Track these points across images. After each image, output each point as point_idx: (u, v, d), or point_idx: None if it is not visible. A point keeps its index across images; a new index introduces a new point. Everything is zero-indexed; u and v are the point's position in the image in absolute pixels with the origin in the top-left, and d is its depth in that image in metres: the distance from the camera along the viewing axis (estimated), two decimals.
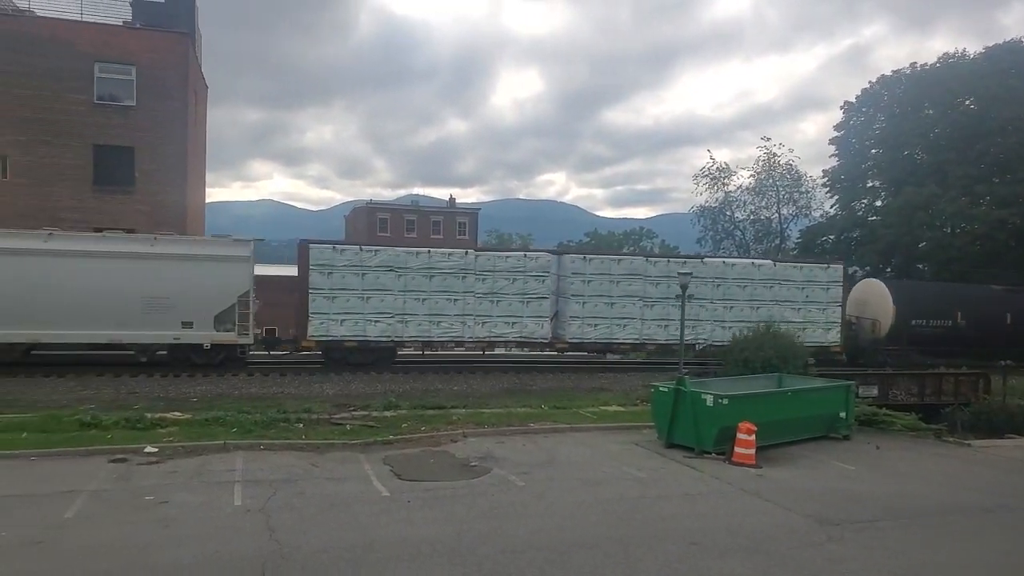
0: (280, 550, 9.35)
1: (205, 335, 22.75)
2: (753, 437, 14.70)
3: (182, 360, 23.08)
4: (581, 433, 17.20)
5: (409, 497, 11.81)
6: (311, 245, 24.48)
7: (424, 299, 24.63)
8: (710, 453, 15.20)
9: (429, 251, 25.34)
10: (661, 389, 16.32)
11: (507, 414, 18.55)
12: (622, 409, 19.92)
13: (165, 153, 29.39)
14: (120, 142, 28.88)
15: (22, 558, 8.94)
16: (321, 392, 21.50)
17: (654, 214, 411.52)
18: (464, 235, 76.67)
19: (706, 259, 28.23)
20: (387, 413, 18.18)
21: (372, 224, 74.52)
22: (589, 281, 26.09)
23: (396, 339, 24.82)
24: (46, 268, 21.47)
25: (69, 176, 28.41)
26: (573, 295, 26.13)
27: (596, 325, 26.12)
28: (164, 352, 23.42)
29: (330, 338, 24.06)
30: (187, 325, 22.48)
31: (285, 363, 25.40)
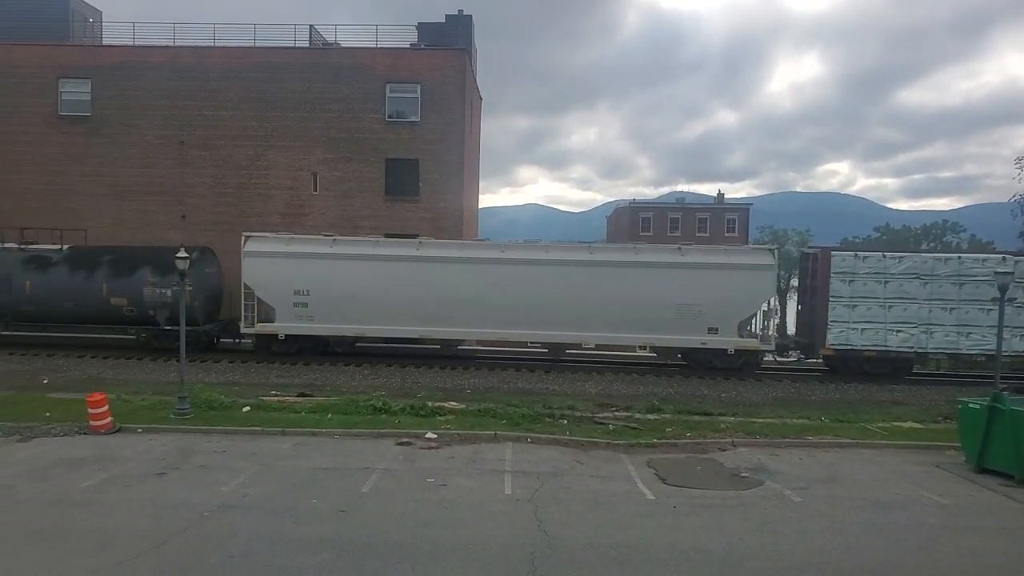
0: (548, 541, 9.55)
1: (730, 341, 23.88)
2: None
3: (702, 363, 24.40)
4: (869, 450, 15.49)
5: (675, 503, 11.47)
6: (833, 253, 24.70)
7: (952, 308, 23.41)
8: None
9: (959, 257, 24.06)
10: (971, 406, 14.11)
11: (781, 425, 17.33)
12: (919, 426, 17.63)
13: (445, 163, 31.83)
14: (407, 155, 31.81)
15: (331, 522, 10.18)
16: (584, 390, 21.78)
17: (960, 205, 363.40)
18: (733, 232, 72.60)
19: None
20: (650, 416, 17.92)
21: (635, 224, 74.20)
22: None
23: (919, 350, 23.79)
24: (591, 277, 23.83)
25: (366, 188, 31.94)
26: None
27: None
28: (680, 355, 24.92)
29: (848, 347, 23.92)
30: (712, 331, 23.79)
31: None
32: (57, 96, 32.01)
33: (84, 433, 15.02)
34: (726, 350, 23.87)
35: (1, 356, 24.42)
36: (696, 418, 17.80)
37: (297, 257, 24.34)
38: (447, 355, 25.84)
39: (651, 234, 71.01)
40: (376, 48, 32.11)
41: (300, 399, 18.67)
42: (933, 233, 75.32)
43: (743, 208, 76.80)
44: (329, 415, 16.74)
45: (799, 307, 27.19)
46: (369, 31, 32.86)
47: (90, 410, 15.17)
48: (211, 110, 31.66)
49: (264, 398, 18.61)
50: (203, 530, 9.73)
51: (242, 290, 24.70)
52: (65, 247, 26.13)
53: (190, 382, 18.08)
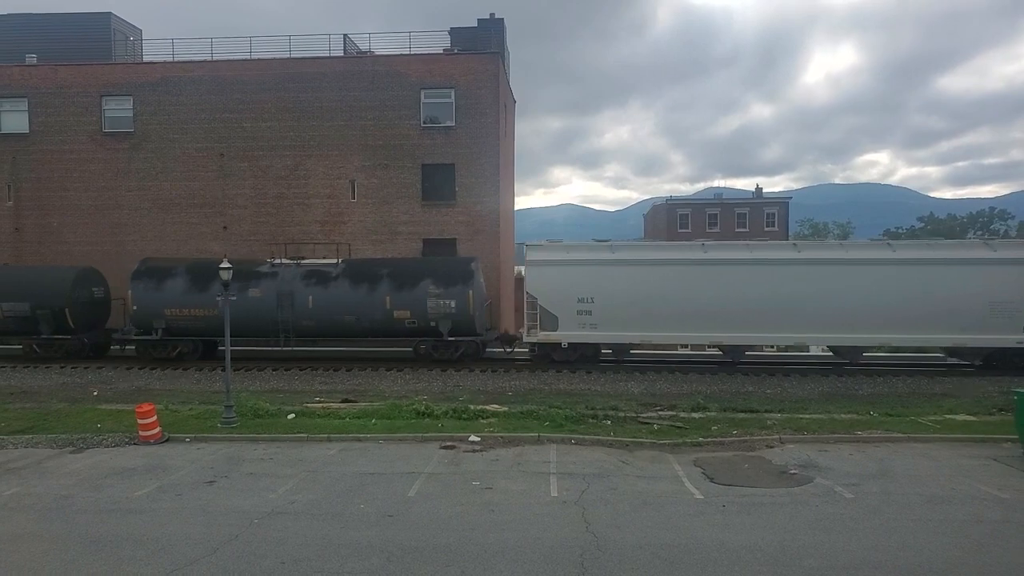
0: (596, 542, 9.48)
1: None
2: None
3: (1012, 364, 23.16)
4: (921, 444, 15.08)
5: (724, 501, 11.30)
6: None
7: None
8: None
9: None
10: None
11: (829, 420, 16.98)
12: (973, 418, 17.12)
13: (480, 167, 31.87)
14: (443, 160, 31.92)
15: (380, 527, 10.25)
16: (627, 390, 21.62)
17: (1007, 191, 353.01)
18: (773, 226, 71.34)
19: None
20: (695, 414, 17.70)
21: (672, 221, 73.53)
22: None
23: None
24: (892, 275, 23.10)
25: (403, 194, 32.13)
26: None
27: None
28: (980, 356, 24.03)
29: None
30: None
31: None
32: (101, 113, 32.87)
33: (134, 443, 15.35)
34: None
35: (52, 370, 25.10)
36: (742, 415, 17.53)
37: (579, 264, 24.45)
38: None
39: (689, 231, 70.25)
40: (410, 55, 32.31)
41: (344, 405, 18.86)
42: (980, 221, 73.40)
43: (782, 202, 75.58)
44: (373, 420, 16.85)
45: None
46: (402, 38, 33.14)
47: (139, 420, 15.49)
48: (249, 121, 32.20)
49: (308, 405, 18.82)
50: (254, 537, 9.86)
51: (525, 299, 24.71)
52: (340, 261, 26.29)
53: (235, 391, 18.34)
